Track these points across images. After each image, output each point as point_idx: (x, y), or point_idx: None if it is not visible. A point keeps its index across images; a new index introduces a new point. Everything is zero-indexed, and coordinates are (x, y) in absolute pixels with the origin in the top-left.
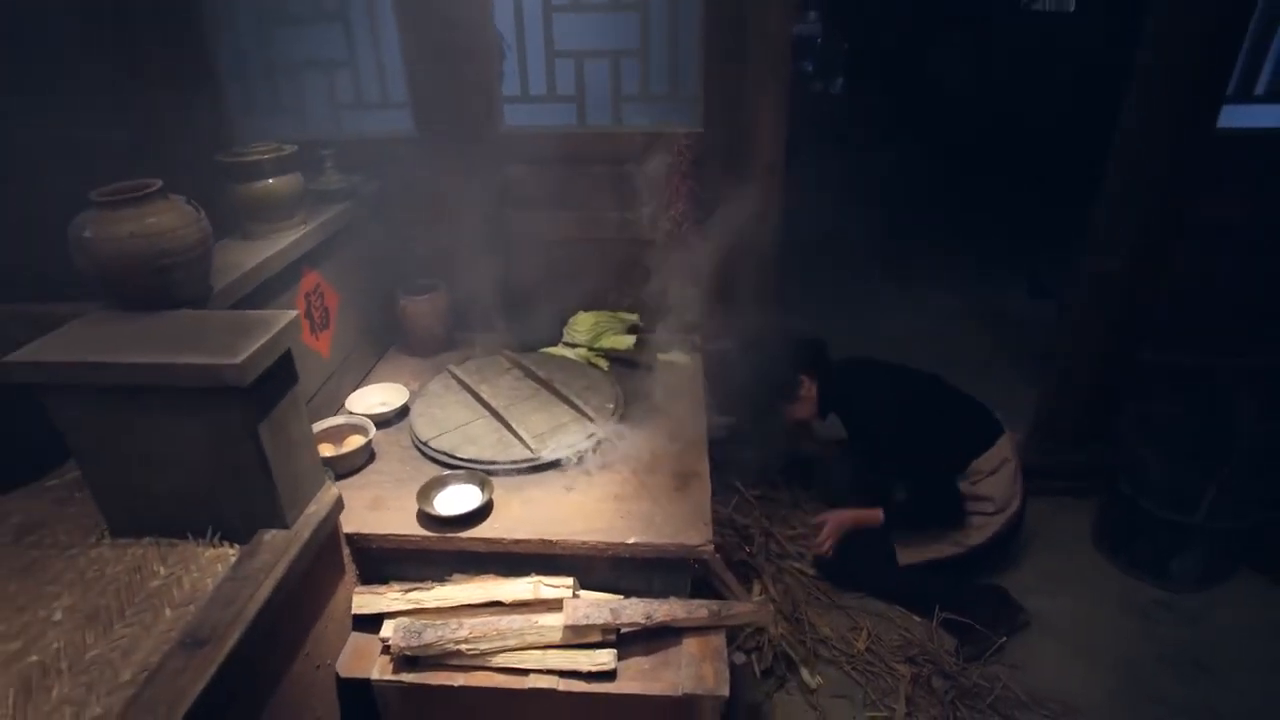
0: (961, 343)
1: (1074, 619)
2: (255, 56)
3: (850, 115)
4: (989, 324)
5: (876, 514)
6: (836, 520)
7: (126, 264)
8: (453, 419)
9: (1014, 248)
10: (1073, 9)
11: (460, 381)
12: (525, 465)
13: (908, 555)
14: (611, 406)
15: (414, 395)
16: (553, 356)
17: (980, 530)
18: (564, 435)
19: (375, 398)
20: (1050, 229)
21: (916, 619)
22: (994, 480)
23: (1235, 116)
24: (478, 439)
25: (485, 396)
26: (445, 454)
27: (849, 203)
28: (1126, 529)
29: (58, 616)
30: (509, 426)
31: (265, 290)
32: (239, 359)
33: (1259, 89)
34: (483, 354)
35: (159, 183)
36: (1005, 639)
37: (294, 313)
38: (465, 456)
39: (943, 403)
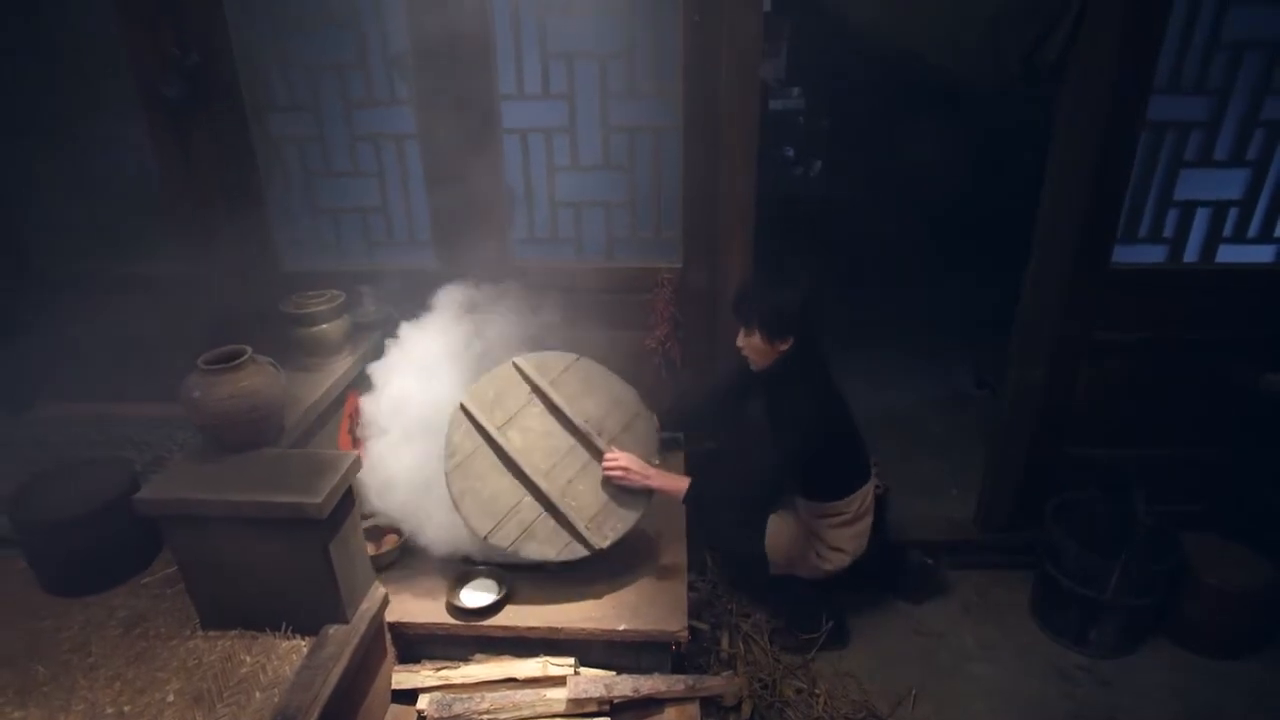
0: (926, 422)
1: (1008, 680)
2: (302, 202)
3: (826, 200)
4: (944, 409)
5: (682, 484)
6: (640, 465)
7: (226, 418)
8: (500, 502)
9: (969, 338)
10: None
11: (479, 427)
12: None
13: (777, 569)
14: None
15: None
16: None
17: (830, 567)
18: (614, 518)
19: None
20: (998, 320)
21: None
22: (851, 531)
23: (1125, 254)
24: (535, 532)
25: (515, 456)
26: (507, 553)
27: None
28: (1052, 602)
29: (170, 698)
30: (557, 512)
31: (321, 417)
32: (319, 498)
33: (1141, 232)
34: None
35: (249, 350)
36: (813, 652)
37: (355, 454)
38: (529, 556)
39: (848, 426)
